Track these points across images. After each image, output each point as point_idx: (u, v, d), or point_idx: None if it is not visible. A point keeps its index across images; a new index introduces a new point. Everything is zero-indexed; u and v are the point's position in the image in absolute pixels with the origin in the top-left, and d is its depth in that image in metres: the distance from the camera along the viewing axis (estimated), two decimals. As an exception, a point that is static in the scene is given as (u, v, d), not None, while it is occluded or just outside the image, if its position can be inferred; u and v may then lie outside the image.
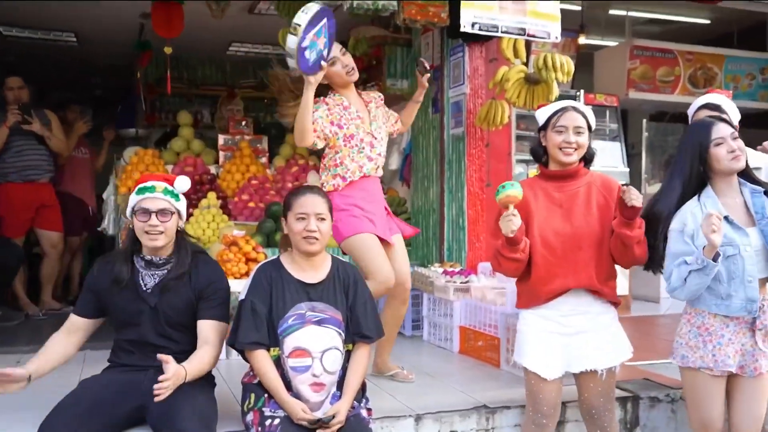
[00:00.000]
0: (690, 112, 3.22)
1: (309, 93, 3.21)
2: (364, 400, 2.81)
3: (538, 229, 2.75)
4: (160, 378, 2.35)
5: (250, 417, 2.63)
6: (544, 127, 2.82)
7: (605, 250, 2.75)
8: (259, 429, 2.56)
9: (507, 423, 3.25)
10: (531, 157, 5.20)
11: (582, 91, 5.94)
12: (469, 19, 3.93)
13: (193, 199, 5.73)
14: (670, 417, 3.51)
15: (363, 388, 2.84)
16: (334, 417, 2.55)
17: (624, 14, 7.46)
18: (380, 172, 3.59)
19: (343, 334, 2.72)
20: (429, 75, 3.62)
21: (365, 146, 3.48)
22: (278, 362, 2.66)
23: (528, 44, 4.73)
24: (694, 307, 2.67)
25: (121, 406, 2.62)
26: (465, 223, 5.04)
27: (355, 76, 3.50)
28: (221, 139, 6.54)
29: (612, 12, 7.43)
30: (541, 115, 2.85)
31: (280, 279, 2.72)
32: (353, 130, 3.45)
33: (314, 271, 2.77)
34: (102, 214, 6.43)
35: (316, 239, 2.69)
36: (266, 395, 2.64)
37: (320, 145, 3.43)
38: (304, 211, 2.70)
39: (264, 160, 6.45)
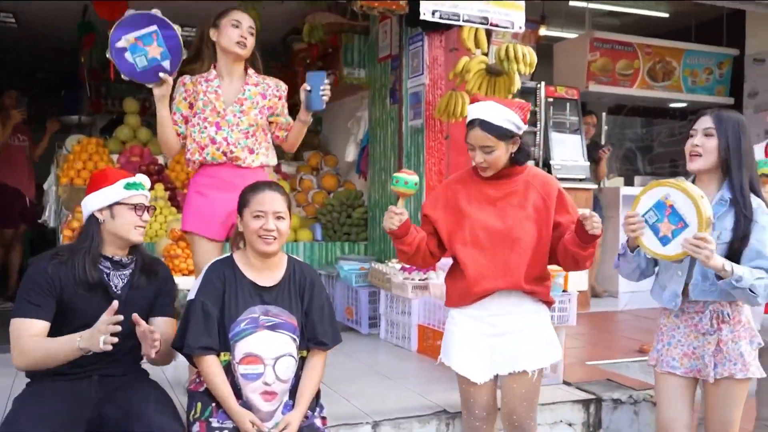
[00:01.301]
0: None
1: (159, 108, 3.08)
2: (318, 409, 2.67)
3: (469, 228, 2.61)
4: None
5: (196, 428, 2.46)
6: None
7: (540, 253, 2.63)
8: (206, 441, 2.41)
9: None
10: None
11: (543, 83, 5.85)
12: (429, 6, 3.77)
13: (140, 190, 5.49)
14: (633, 419, 3.46)
15: (317, 395, 2.69)
16: (285, 429, 2.42)
17: (584, 6, 7.41)
18: (239, 162, 3.18)
19: (297, 340, 2.58)
20: (309, 89, 3.12)
21: (208, 126, 3.14)
22: (228, 368, 2.51)
23: (488, 34, 4.59)
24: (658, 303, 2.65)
25: (77, 426, 2.41)
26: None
27: (242, 51, 3.15)
28: (169, 127, 6.28)
29: (572, 3, 7.36)
30: (469, 114, 2.62)
31: (233, 279, 2.56)
32: (199, 106, 3.16)
33: (269, 273, 2.62)
34: (42, 206, 6.13)
35: (274, 238, 2.54)
36: (214, 404, 2.48)
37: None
38: (262, 209, 2.55)
39: (215, 150, 6.21)
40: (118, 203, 2.55)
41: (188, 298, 2.56)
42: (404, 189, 2.54)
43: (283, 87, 3.34)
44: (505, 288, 2.59)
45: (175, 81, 3.11)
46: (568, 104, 6.11)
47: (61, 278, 2.44)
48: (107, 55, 2.98)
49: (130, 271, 2.60)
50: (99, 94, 8.26)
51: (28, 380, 2.55)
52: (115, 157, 5.97)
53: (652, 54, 7.27)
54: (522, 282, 2.59)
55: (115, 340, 2.25)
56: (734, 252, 2.39)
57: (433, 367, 3.86)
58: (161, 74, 2.98)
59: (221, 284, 2.54)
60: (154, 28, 2.98)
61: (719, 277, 2.30)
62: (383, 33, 5.49)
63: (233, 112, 3.17)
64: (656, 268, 2.60)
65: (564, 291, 3.63)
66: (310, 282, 2.67)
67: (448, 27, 4.64)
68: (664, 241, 2.36)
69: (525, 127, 2.58)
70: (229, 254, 2.68)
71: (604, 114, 7.12)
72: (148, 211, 2.63)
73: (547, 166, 5.78)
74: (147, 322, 2.53)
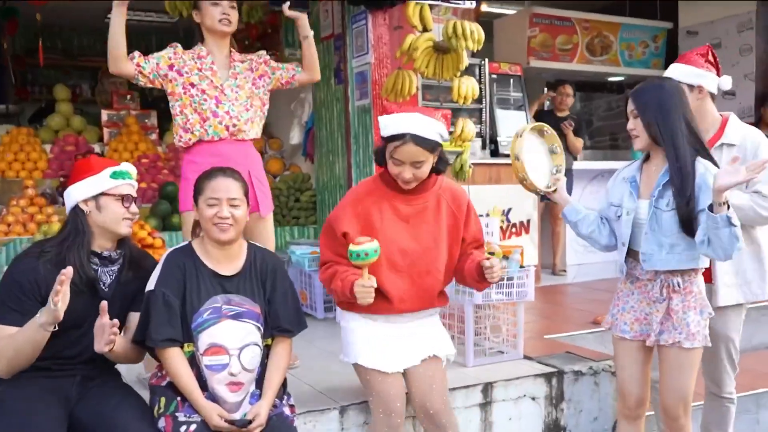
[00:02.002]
0: None
1: (115, 12, 3.01)
2: (285, 397, 2.63)
3: (386, 251, 2.61)
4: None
5: (161, 423, 2.38)
6: (388, 140, 2.58)
7: (450, 271, 2.76)
8: (173, 436, 2.34)
9: (463, 403, 3.20)
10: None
11: (486, 60, 5.85)
12: (381, -19, 3.68)
13: (77, 181, 5.28)
14: (594, 389, 3.51)
15: (284, 383, 2.65)
16: (253, 420, 2.37)
17: (522, -20, 7.45)
18: (242, 135, 3.21)
19: (262, 329, 2.52)
20: (288, 3, 3.22)
21: (208, 99, 3.16)
22: (192, 360, 2.44)
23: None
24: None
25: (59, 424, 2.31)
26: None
27: (227, 27, 3.18)
28: (105, 114, 6.10)
29: (510, -22, 7.39)
30: (384, 128, 2.58)
31: (193, 268, 2.49)
32: (195, 79, 3.17)
33: (229, 262, 2.54)
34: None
35: (230, 225, 2.47)
36: (179, 398, 2.41)
37: (141, 81, 3.16)
38: (216, 196, 2.47)
39: (154, 136, 6.07)
40: (104, 194, 2.44)
41: (147, 289, 2.46)
42: (367, 261, 2.49)
43: (263, 53, 3.42)
44: (421, 309, 2.75)
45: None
46: (511, 80, 6.14)
47: (47, 279, 2.28)
48: None
49: (119, 266, 2.51)
50: (25, 81, 7.90)
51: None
52: (47, 147, 5.73)
53: (589, 29, 7.36)
54: (435, 301, 2.77)
55: (60, 306, 2.13)
56: (687, 218, 2.42)
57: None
58: None
59: (181, 274, 2.46)
60: None
61: (711, 210, 2.29)
62: (324, 12, 5.38)
63: (230, 87, 3.20)
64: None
65: (521, 267, 3.64)
66: (272, 269, 2.61)
67: (392, 4, 4.57)
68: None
69: (447, 137, 2.64)
70: (187, 242, 2.60)
71: (545, 89, 7.18)
72: (135, 202, 2.53)
73: (494, 143, 5.79)
74: (125, 317, 2.50)
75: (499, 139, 5.79)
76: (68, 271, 2.13)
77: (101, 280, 2.45)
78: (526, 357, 3.64)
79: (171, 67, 3.16)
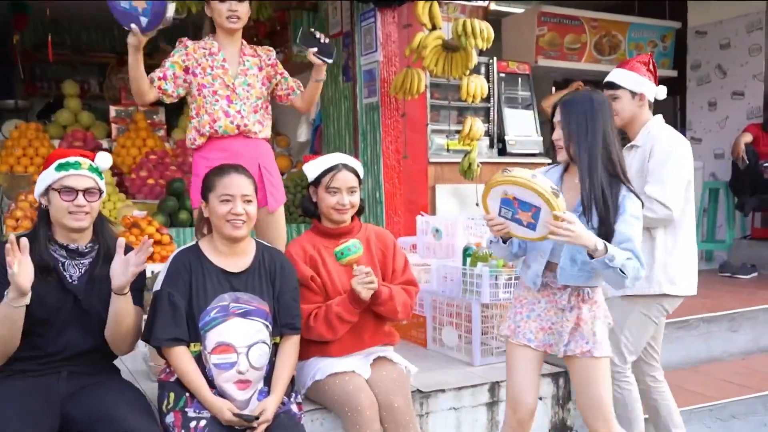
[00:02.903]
0: None
1: (130, 53, 2.95)
2: (293, 394, 2.63)
3: (333, 292, 2.74)
4: None
5: (170, 419, 2.38)
6: (315, 183, 2.79)
7: None
8: None
9: (441, 407, 3.15)
10: (447, 128, 5.13)
11: (494, 58, 5.84)
12: (390, -21, 3.68)
13: (85, 176, 5.29)
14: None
15: (292, 381, 2.65)
16: (260, 415, 2.37)
17: (530, -21, 7.41)
18: (254, 134, 3.21)
19: (270, 327, 2.52)
20: (316, 49, 3.13)
21: (219, 98, 3.15)
22: (199, 359, 2.44)
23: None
24: (519, 277, 2.70)
25: (47, 424, 2.29)
26: (382, 197, 4.86)
27: (235, 24, 3.15)
28: (113, 110, 6.11)
29: (518, -23, 7.36)
30: (310, 171, 2.80)
31: (200, 267, 2.48)
32: (207, 79, 3.16)
33: (237, 259, 2.55)
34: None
35: (243, 222, 2.47)
36: (188, 394, 2.41)
37: (167, 100, 3.18)
38: (229, 192, 2.47)
39: (162, 133, 6.08)
40: (50, 188, 2.38)
41: (154, 289, 2.47)
42: (355, 255, 2.59)
43: (273, 54, 3.38)
44: (370, 346, 2.81)
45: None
46: (520, 79, 6.12)
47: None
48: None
49: (90, 260, 2.44)
50: (33, 76, 7.90)
51: None
52: (56, 142, 5.75)
53: (598, 28, 7.32)
54: (385, 338, 2.86)
55: (18, 267, 2.13)
56: (602, 238, 2.36)
57: (401, 347, 3.84)
58: (132, 25, 2.86)
59: (187, 273, 2.46)
60: None
61: (591, 256, 2.29)
62: (333, 9, 5.39)
63: (241, 85, 3.19)
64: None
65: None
66: (280, 266, 2.61)
67: (401, 2, 4.57)
68: (531, 226, 2.35)
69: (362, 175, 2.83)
70: (194, 242, 2.60)
71: (552, 89, 7.16)
72: (85, 194, 2.38)
73: (501, 142, 5.79)
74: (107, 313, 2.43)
75: (506, 138, 5.78)
76: (12, 239, 2.14)
77: (67, 273, 2.40)
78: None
79: (186, 70, 3.15)
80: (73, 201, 2.37)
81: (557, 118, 2.49)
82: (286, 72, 3.38)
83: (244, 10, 3.16)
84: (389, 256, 2.88)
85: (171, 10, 2.87)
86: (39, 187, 2.42)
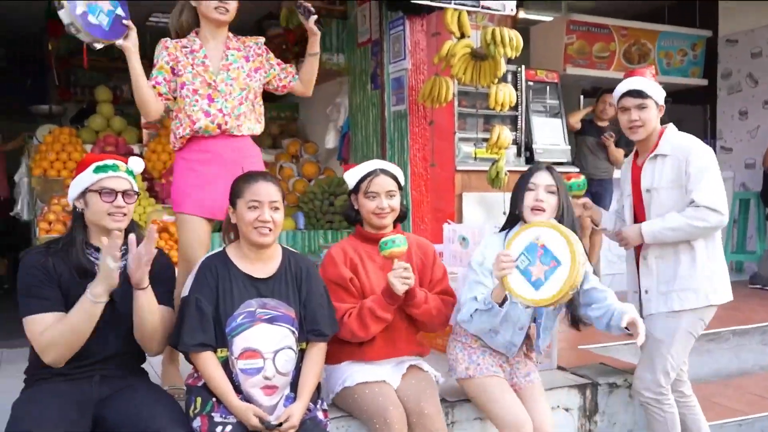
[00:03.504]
0: (615, 96, 3.09)
1: (131, 62, 2.85)
2: (320, 401, 2.64)
3: (369, 295, 2.74)
4: None
5: (197, 423, 2.40)
6: (355, 190, 2.82)
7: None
8: (209, 436, 2.36)
9: (467, 417, 3.12)
10: (475, 136, 5.12)
11: (523, 66, 5.83)
12: (421, -11, 3.70)
13: (116, 181, 5.36)
14: (628, 402, 3.47)
15: (318, 388, 2.66)
16: (286, 421, 2.37)
17: (560, -12, 7.41)
18: (238, 130, 3.06)
19: (296, 332, 2.54)
20: (315, 17, 3.12)
21: (198, 98, 2.97)
22: (226, 364, 2.46)
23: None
24: (463, 327, 2.82)
25: (81, 427, 2.32)
26: (409, 205, 4.86)
27: (223, 16, 3.00)
28: (144, 116, 6.14)
29: (547, -15, 7.35)
30: (350, 179, 2.85)
31: (227, 274, 2.50)
32: (188, 77, 2.98)
33: (264, 265, 2.56)
34: (14, 197, 5.96)
35: (270, 230, 2.49)
36: (215, 399, 2.43)
37: (173, 105, 3.05)
38: (258, 199, 2.49)
39: (192, 138, 6.09)
40: (88, 190, 2.40)
41: (182, 295, 2.50)
42: (398, 248, 2.60)
43: (261, 41, 3.22)
44: (405, 355, 2.83)
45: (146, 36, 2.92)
46: (548, 87, 6.10)
47: (56, 267, 2.33)
48: (72, 30, 2.75)
49: (124, 262, 2.42)
50: (67, 82, 8.04)
51: (24, 384, 2.44)
52: (88, 147, 5.84)
53: (627, 36, 7.28)
54: (417, 348, 2.88)
55: (119, 263, 2.21)
56: (575, 319, 2.82)
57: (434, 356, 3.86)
58: (125, 21, 2.80)
59: (214, 279, 2.48)
60: None
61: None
62: (362, 17, 5.42)
63: (223, 80, 3.03)
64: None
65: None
66: (306, 272, 2.62)
67: (430, 10, 4.59)
68: (536, 284, 2.41)
69: (402, 182, 2.85)
70: (221, 248, 2.62)
71: (581, 97, 7.12)
72: (124, 195, 2.41)
73: (529, 150, 5.77)
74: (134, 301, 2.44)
75: (534, 146, 5.76)
76: (114, 235, 2.20)
77: None
78: (559, 367, 3.62)
79: (173, 71, 3.00)
80: (113, 202, 2.39)
81: (547, 182, 2.70)
82: (279, 60, 3.24)
83: (233, 5, 3.03)
84: (428, 266, 2.88)
85: None
86: (75, 190, 2.44)
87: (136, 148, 5.97)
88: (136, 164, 2.53)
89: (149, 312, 2.40)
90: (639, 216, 3.07)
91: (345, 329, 2.68)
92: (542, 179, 2.71)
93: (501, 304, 2.58)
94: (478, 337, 2.82)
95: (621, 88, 3.03)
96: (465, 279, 2.87)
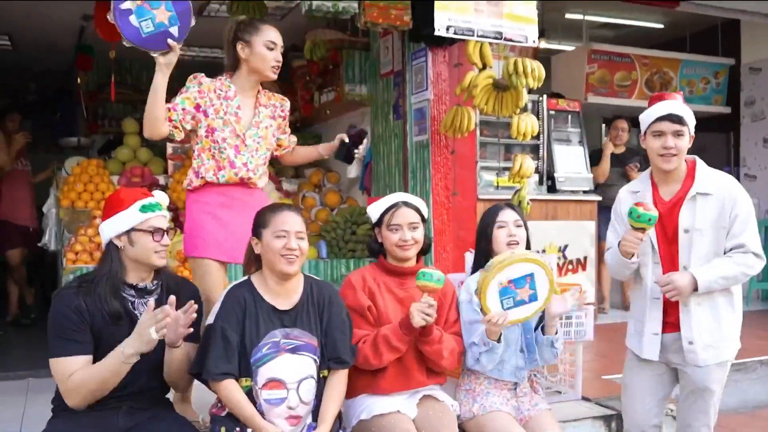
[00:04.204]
0: (646, 119, 2.85)
1: (159, 76, 2.80)
2: (341, 431, 2.65)
3: (385, 324, 2.74)
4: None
5: None
6: (378, 223, 2.85)
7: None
8: (233, 465, 2.37)
9: None
10: (497, 165, 5.13)
11: (545, 96, 5.85)
12: (443, 22, 3.74)
13: (142, 211, 5.44)
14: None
15: (339, 416, 2.67)
16: None
17: (581, 18, 7.44)
18: (254, 184, 3.10)
19: (318, 361, 2.56)
20: (347, 140, 3.27)
21: (227, 147, 2.98)
22: (249, 394, 2.47)
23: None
24: (469, 368, 2.89)
25: None
26: (431, 234, 4.86)
27: (275, 75, 3.05)
28: (170, 147, 6.25)
29: (568, 16, 7.39)
30: (374, 212, 2.88)
31: (253, 303, 2.53)
32: (218, 123, 2.97)
33: (287, 296, 2.59)
34: (42, 229, 6.06)
35: (296, 257, 2.52)
36: (238, 429, 2.43)
37: (178, 136, 2.96)
38: (285, 229, 2.52)
39: (216, 169, 6.17)
40: (134, 229, 2.44)
41: (207, 323, 2.52)
42: (434, 284, 2.60)
43: (287, 106, 3.26)
44: (420, 387, 2.81)
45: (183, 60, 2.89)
46: (569, 116, 6.11)
47: (89, 308, 2.35)
48: (108, 17, 2.71)
49: (156, 297, 2.50)
50: (95, 115, 8.20)
51: (52, 414, 2.46)
52: (115, 178, 5.92)
53: (649, 65, 7.30)
54: (429, 379, 2.84)
55: (164, 331, 2.21)
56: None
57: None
58: (169, 41, 2.74)
59: (241, 309, 2.50)
60: None
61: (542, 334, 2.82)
62: (385, 49, 5.48)
63: (252, 137, 3.05)
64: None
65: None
66: (328, 300, 2.64)
67: (452, 42, 4.63)
68: (533, 297, 2.65)
69: (426, 215, 2.90)
70: (246, 278, 2.64)
71: (603, 126, 7.12)
72: (167, 233, 2.51)
73: (551, 179, 5.77)
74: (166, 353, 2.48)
75: (556, 175, 5.76)
76: (172, 301, 2.25)
77: (138, 311, 2.43)
78: (584, 398, 3.59)
79: (198, 107, 2.97)
80: (160, 241, 2.46)
81: (514, 218, 2.90)
82: (288, 128, 3.30)
83: (281, 63, 3.06)
84: (446, 306, 2.87)
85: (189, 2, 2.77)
86: (117, 228, 2.45)
87: (161, 179, 6.04)
88: (164, 198, 2.58)
89: (182, 361, 2.46)
90: (666, 257, 2.82)
91: (359, 355, 2.69)
92: (509, 216, 2.91)
93: (498, 340, 2.71)
94: (484, 376, 2.87)
95: (657, 111, 2.79)
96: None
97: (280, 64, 3.04)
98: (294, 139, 3.33)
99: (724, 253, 2.76)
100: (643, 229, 2.63)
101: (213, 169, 3.00)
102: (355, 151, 3.18)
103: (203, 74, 3.04)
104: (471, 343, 2.78)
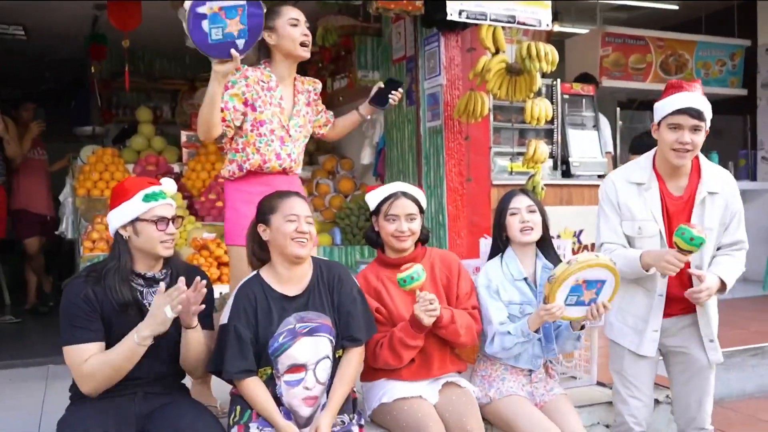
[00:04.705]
0: (662, 109, 2.71)
1: (214, 85, 2.76)
2: (356, 416, 2.65)
3: (398, 320, 2.74)
4: None
5: None
6: (376, 212, 2.84)
7: None
8: (244, 445, 2.41)
9: None
10: (511, 150, 5.12)
11: (558, 80, 5.81)
12: (455, 6, 3.73)
13: (157, 199, 5.47)
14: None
15: (354, 402, 2.69)
16: None
17: (594, 1, 7.36)
18: (296, 172, 3.16)
19: (334, 341, 2.57)
20: (383, 86, 3.19)
21: (275, 139, 3.01)
22: (270, 379, 2.51)
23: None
24: (485, 354, 2.91)
25: None
26: (445, 220, 4.87)
27: (307, 53, 3.03)
28: (184, 135, 6.29)
29: (582, -2, 7.33)
30: (372, 200, 2.86)
31: (264, 296, 2.55)
32: (267, 115, 2.99)
33: (298, 281, 2.61)
34: (59, 217, 6.12)
35: (307, 240, 2.54)
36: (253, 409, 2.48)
37: (229, 134, 3.00)
38: (295, 213, 2.54)
39: (230, 156, 6.19)
40: (139, 219, 2.43)
41: (220, 323, 2.54)
42: (417, 282, 2.59)
43: (319, 87, 3.28)
44: (439, 375, 2.81)
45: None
46: (584, 100, 6.07)
47: (98, 297, 2.38)
48: (179, 16, 2.68)
49: (166, 285, 2.47)
50: (110, 104, 8.24)
51: (70, 401, 2.50)
52: (130, 167, 5.97)
53: (664, 47, 7.22)
54: (450, 366, 2.85)
55: (180, 308, 2.24)
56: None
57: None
58: (232, 51, 2.68)
59: (251, 305, 2.52)
60: (242, 2, 2.68)
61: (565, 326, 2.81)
62: (397, 34, 5.46)
63: (294, 127, 3.08)
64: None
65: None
66: (338, 278, 2.65)
67: (465, 26, 4.60)
68: (592, 302, 2.66)
69: (424, 206, 2.90)
70: (255, 272, 2.65)
71: (618, 110, 7.06)
72: (173, 222, 2.49)
73: (565, 164, 5.74)
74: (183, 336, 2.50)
75: (570, 159, 5.73)
76: (182, 281, 2.26)
77: (146, 301, 2.44)
78: (599, 383, 3.58)
79: (246, 102, 2.98)
80: (165, 230, 2.45)
81: (527, 203, 2.87)
82: (324, 107, 3.31)
83: (310, 38, 3.04)
84: (454, 281, 2.87)
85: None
86: (122, 218, 2.45)
87: (176, 167, 6.08)
88: (171, 186, 2.56)
89: (198, 344, 2.48)
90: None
91: (379, 360, 2.71)
92: (522, 202, 2.88)
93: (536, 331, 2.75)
94: (500, 362, 2.88)
95: (675, 103, 2.65)
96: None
97: (308, 38, 3.02)
98: (331, 113, 3.33)
99: (719, 248, 2.79)
100: (689, 252, 2.52)
101: (258, 162, 3.02)
102: (390, 95, 3.14)
103: (247, 66, 3.02)
104: (504, 332, 2.77)
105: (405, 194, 2.82)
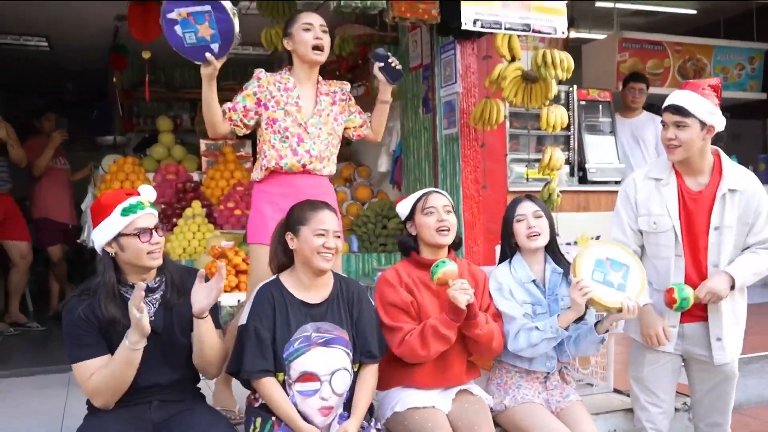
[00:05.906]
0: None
1: (204, 86, 2.88)
2: (373, 421, 2.71)
3: (426, 319, 2.75)
4: None
5: None
6: (410, 216, 2.88)
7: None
8: (268, 456, 2.43)
9: None
10: (527, 156, 5.13)
11: (575, 86, 5.80)
12: (470, 16, 3.74)
13: (177, 208, 5.53)
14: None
15: (371, 409, 2.73)
16: None
17: (611, 6, 7.34)
18: (318, 171, 3.14)
19: (351, 354, 2.61)
20: (382, 64, 3.13)
21: (290, 136, 3.05)
22: (283, 386, 2.54)
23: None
24: (500, 361, 2.96)
25: None
26: (462, 227, 4.88)
27: (320, 57, 3.07)
28: (203, 144, 6.35)
29: (599, 4, 7.30)
30: (404, 206, 2.92)
31: (283, 301, 2.59)
32: (279, 114, 3.06)
33: (317, 291, 2.65)
34: (81, 225, 6.21)
35: (332, 256, 2.58)
36: (274, 419, 2.50)
37: (240, 132, 3.11)
38: (324, 228, 2.58)
39: (249, 165, 6.27)
40: (121, 234, 2.38)
41: (240, 323, 2.58)
42: (448, 267, 2.61)
43: (347, 88, 3.32)
44: (457, 385, 2.84)
45: (227, 66, 2.96)
46: (600, 106, 6.05)
47: (94, 313, 2.38)
48: (160, 22, 2.79)
49: (161, 293, 2.51)
50: (131, 113, 8.35)
51: (87, 411, 2.54)
52: (150, 175, 6.03)
53: (682, 52, 7.17)
54: (466, 376, 2.88)
55: (143, 306, 2.24)
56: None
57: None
58: (207, 55, 2.78)
59: (271, 307, 2.56)
60: (208, 8, 2.75)
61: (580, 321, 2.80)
62: (413, 43, 5.49)
63: (314, 125, 3.11)
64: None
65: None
66: (357, 297, 2.70)
67: (481, 35, 4.62)
68: (621, 288, 2.67)
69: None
70: (275, 276, 2.69)
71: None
72: (156, 230, 2.44)
73: (582, 170, 5.73)
74: (190, 338, 2.51)
75: (587, 165, 5.71)
76: (141, 286, 2.25)
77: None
78: (616, 390, 3.58)
79: (258, 102, 3.07)
80: (149, 240, 2.41)
81: (533, 209, 2.90)
82: (359, 108, 3.33)
83: (327, 42, 3.08)
84: (479, 294, 2.87)
85: (237, 26, 2.80)
86: (105, 236, 2.40)
87: (195, 176, 6.14)
88: (150, 193, 2.53)
89: (210, 337, 2.48)
90: (689, 250, 2.82)
91: (405, 347, 2.70)
92: (527, 208, 2.92)
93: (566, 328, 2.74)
94: (515, 369, 2.90)
95: (666, 101, 2.82)
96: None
97: (321, 42, 3.05)
98: (368, 114, 3.33)
99: (745, 248, 2.79)
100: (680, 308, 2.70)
101: (275, 159, 3.07)
102: (390, 61, 3.13)
103: (263, 70, 3.14)
104: (530, 327, 2.78)
105: (436, 191, 2.92)
